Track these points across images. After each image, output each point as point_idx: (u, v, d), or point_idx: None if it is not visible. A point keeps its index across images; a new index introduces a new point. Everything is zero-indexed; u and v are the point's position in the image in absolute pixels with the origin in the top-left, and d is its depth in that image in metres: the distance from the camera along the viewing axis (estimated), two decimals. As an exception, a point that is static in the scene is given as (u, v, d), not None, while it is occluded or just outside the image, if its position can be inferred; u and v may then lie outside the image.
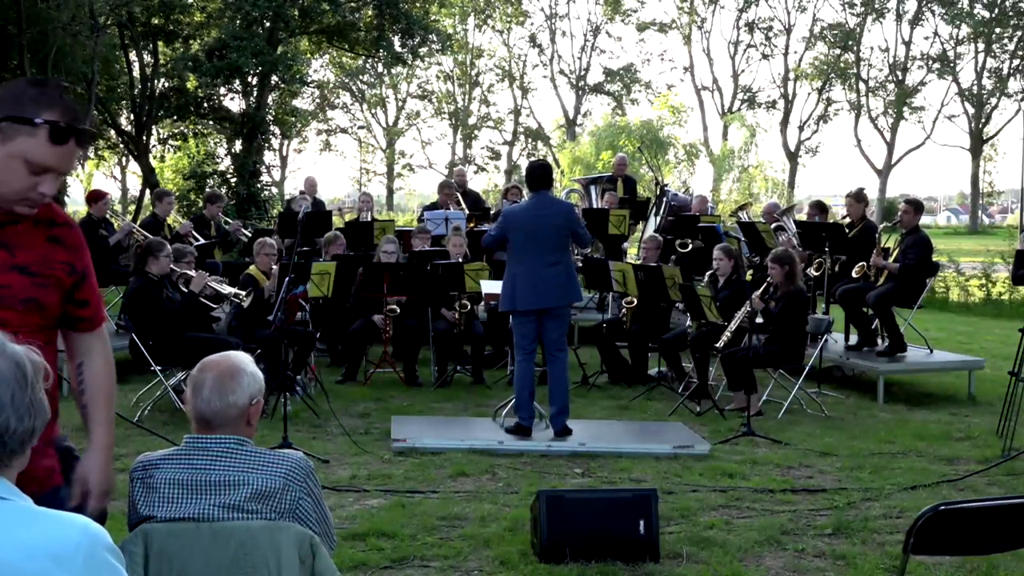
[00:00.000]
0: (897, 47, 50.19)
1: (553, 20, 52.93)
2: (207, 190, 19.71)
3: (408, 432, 7.36)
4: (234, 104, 26.50)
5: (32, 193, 2.36)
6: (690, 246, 11.56)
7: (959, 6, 47.17)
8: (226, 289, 8.48)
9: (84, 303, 2.65)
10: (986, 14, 46.64)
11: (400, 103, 52.91)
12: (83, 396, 2.70)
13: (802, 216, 12.62)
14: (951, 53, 48.60)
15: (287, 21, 24.78)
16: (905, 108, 48.80)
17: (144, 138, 27.08)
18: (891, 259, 9.62)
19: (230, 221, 12.35)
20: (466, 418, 8.16)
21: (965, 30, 47.84)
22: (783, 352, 8.44)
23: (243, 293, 8.41)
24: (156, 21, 25.50)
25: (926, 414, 8.59)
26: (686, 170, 43.58)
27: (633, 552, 4.91)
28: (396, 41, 26.24)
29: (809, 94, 51.58)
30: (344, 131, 52.14)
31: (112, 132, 27.63)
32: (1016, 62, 47.36)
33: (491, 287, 8.98)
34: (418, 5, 27.77)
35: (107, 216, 10.87)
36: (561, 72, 53.15)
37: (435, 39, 27.70)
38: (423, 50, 27.63)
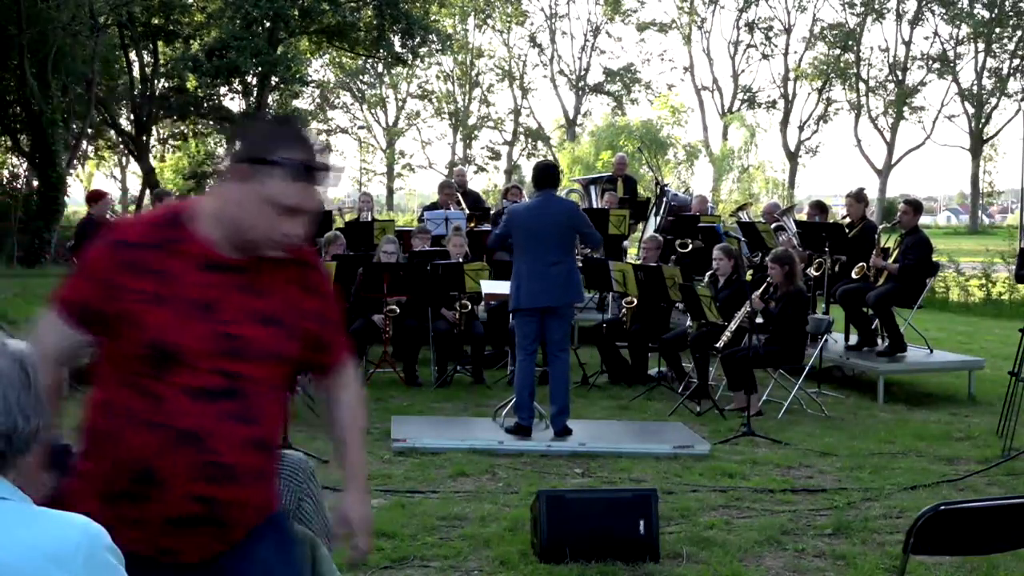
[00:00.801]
0: (897, 47, 50.25)
1: (553, 20, 53.03)
2: (207, 190, 19.72)
3: (408, 432, 7.36)
4: (234, 104, 26.54)
5: (277, 235, 2.24)
6: (690, 246, 11.56)
7: (959, 6, 47.21)
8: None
9: (326, 348, 2.49)
10: (986, 14, 46.67)
11: (400, 103, 52.99)
12: (336, 430, 2.59)
13: (802, 216, 12.62)
14: (951, 53, 48.64)
15: (287, 21, 24.80)
16: (905, 108, 48.84)
17: (144, 138, 27.10)
18: (891, 259, 9.62)
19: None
20: (466, 418, 8.16)
21: (965, 30, 47.88)
22: (783, 352, 8.44)
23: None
24: (156, 21, 25.52)
25: (926, 414, 8.59)
26: (686, 170, 43.64)
27: (633, 552, 4.91)
28: (396, 41, 26.27)
29: (809, 94, 51.67)
30: (344, 131, 52.16)
31: (112, 132, 27.63)
32: (1016, 62, 47.39)
33: (491, 287, 8.97)
34: (418, 5, 27.79)
35: (107, 216, 10.86)
36: (561, 72, 53.24)
37: (435, 39, 27.74)
38: (423, 50, 27.67)
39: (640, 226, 13.83)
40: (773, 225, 11.47)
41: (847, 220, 10.32)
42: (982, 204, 53.50)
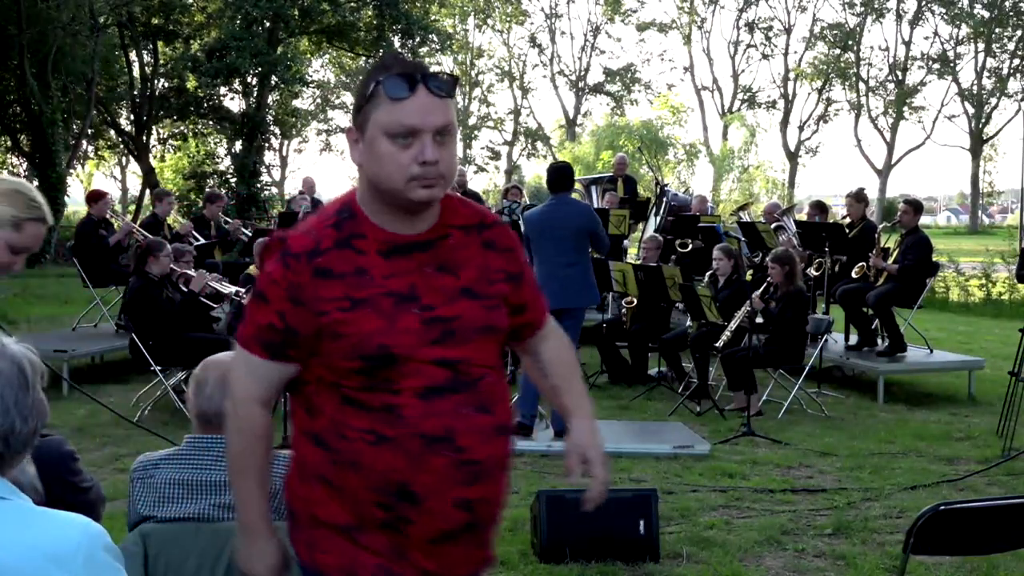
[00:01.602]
0: (897, 47, 50.33)
1: (553, 20, 53.02)
2: (207, 190, 19.71)
3: (408, 432, 7.35)
4: (234, 104, 26.53)
5: (411, 169, 1.98)
6: (690, 246, 11.56)
7: (959, 6, 47.20)
8: (226, 288, 8.48)
9: (522, 308, 2.28)
10: (986, 14, 46.66)
11: (400, 103, 52.84)
12: (548, 379, 2.42)
13: (802, 216, 12.61)
14: (951, 53, 48.63)
15: (287, 21, 24.81)
16: (905, 108, 48.82)
17: (144, 138, 27.11)
18: (891, 259, 9.63)
19: (230, 221, 12.35)
20: (466, 418, 8.15)
21: (965, 30, 47.87)
22: (783, 352, 8.44)
23: (243, 291, 8.41)
24: (156, 21, 25.54)
25: (926, 414, 8.59)
26: (686, 170, 43.63)
27: (633, 552, 4.90)
28: (396, 41, 26.26)
29: (809, 94, 51.68)
30: (344, 131, 52.05)
31: (112, 132, 27.64)
32: (1016, 62, 47.38)
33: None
34: (418, 5, 27.80)
35: (107, 216, 10.86)
36: (561, 72, 53.25)
37: (435, 39, 27.74)
38: (423, 50, 27.64)
39: (640, 226, 13.83)
40: (773, 225, 11.47)
41: (847, 220, 10.32)
42: (982, 204, 53.51)
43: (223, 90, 25.64)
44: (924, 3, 48.19)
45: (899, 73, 49.12)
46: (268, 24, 24.49)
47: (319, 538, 2.09)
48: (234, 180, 24.81)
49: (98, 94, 24.37)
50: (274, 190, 28.46)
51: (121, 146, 28.31)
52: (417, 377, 2.01)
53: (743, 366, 8.21)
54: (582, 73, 52.93)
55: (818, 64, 50.35)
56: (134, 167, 26.79)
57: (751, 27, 51.34)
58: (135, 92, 26.64)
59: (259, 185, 25.48)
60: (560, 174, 7.58)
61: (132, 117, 27.06)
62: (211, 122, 26.65)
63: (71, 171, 26.18)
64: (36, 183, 23.90)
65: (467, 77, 52.35)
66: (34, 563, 1.65)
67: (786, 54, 51.45)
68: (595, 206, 13.51)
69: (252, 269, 8.98)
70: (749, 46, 51.73)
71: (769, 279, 8.46)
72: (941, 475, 6.59)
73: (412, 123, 1.97)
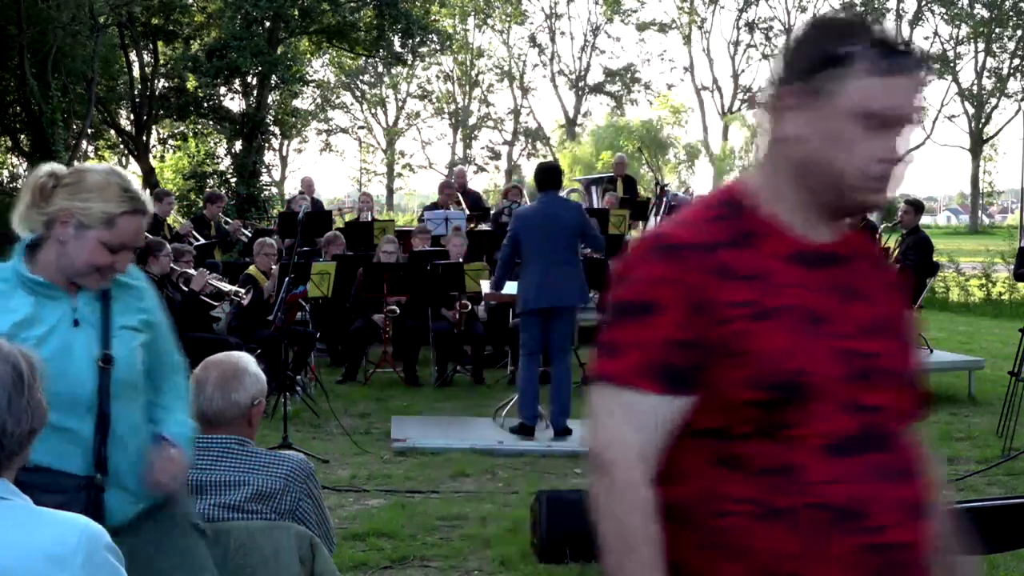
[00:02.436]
0: (897, 47, 50.19)
1: (553, 20, 53.00)
2: (207, 190, 19.72)
3: (408, 432, 7.36)
4: (234, 104, 26.52)
5: (874, 166, 1.59)
6: (690, 246, 11.54)
7: (959, 6, 47.20)
8: (226, 286, 8.48)
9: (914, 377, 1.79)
10: (986, 14, 46.66)
11: (400, 103, 52.95)
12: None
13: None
14: (951, 53, 48.62)
15: (287, 21, 24.81)
16: (905, 108, 48.77)
17: (144, 138, 27.12)
18: (892, 259, 9.63)
19: (230, 221, 12.36)
20: (466, 418, 8.16)
21: (965, 30, 47.88)
22: (783, 352, 8.41)
23: (242, 291, 8.41)
24: (156, 21, 25.53)
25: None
26: (686, 170, 43.68)
27: (633, 552, 4.89)
28: (396, 41, 26.26)
29: (809, 94, 51.58)
30: (344, 131, 52.13)
31: (112, 132, 27.66)
32: (1016, 62, 47.39)
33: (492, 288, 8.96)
34: (418, 5, 27.78)
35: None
36: (561, 72, 53.23)
37: (435, 39, 27.74)
38: (423, 50, 27.66)
39: (640, 226, 13.83)
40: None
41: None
42: (982, 204, 53.48)
43: (223, 90, 25.63)
44: (924, 3, 48.21)
45: (899, 73, 49.10)
46: (268, 24, 24.48)
47: None
48: (234, 180, 24.79)
49: (98, 94, 24.36)
50: (274, 190, 28.44)
51: (121, 146, 28.29)
52: (826, 422, 1.55)
53: (743, 366, 8.19)
54: (582, 73, 52.96)
55: (818, 64, 50.32)
56: (134, 167, 26.72)
57: (751, 27, 51.38)
58: (135, 92, 26.63)
59: (259, 185, 25.47)
60: (548, 173, 7.59)
61: (132, 117, 27.05)
62: (211, 122, 26.63)
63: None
64: (36, 183, 23.87)
65: (467, 77, 52.38)
66: (34, 563, 1.65)
67: (786, 54, 51.45)
68: (595, 206, 13.53)
69: (252, 269, 8.97)
70: (749, 46, 51.80)
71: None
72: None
73: (903, 110, 1.58)
